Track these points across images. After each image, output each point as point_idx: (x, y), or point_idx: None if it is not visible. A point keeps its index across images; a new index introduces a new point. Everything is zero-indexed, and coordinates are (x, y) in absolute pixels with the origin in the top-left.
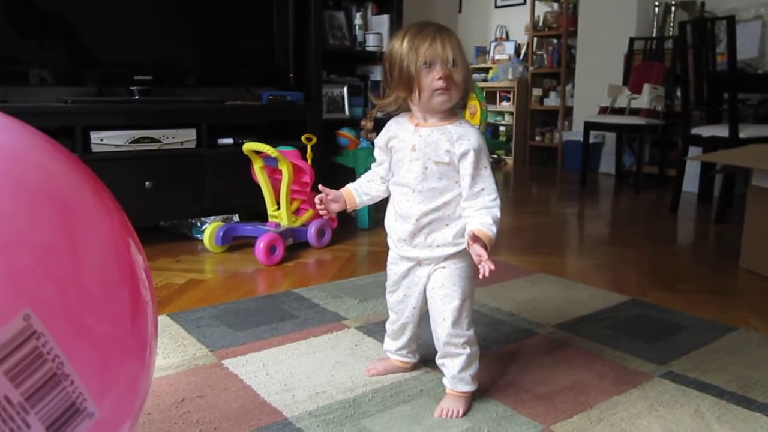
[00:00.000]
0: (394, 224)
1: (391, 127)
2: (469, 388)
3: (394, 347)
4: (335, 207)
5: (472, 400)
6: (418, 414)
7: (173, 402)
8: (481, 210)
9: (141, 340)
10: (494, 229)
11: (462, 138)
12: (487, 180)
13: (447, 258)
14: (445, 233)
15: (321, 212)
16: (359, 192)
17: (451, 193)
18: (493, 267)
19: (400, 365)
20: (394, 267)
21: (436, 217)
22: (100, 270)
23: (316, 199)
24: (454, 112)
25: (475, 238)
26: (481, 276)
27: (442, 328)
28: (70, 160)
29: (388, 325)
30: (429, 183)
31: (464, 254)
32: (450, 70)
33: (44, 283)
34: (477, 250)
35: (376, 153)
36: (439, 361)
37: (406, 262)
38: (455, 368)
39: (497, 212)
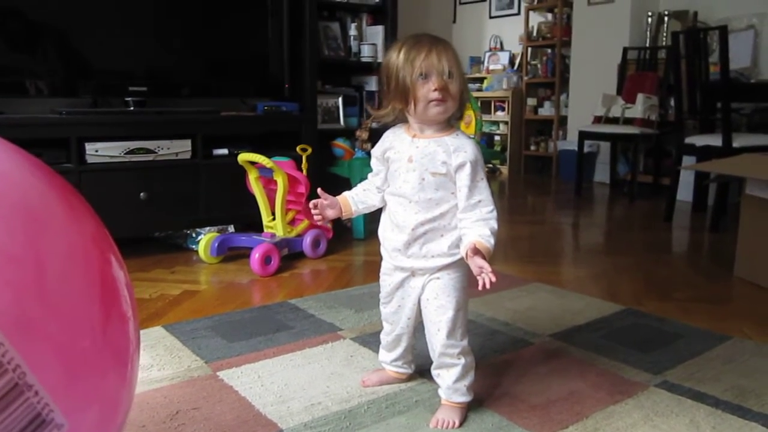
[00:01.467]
0: (390, 234)
1: (388, 137)
2: (464, 398)
3: (389, 358)
4: (331, 213)
5: (468, 410)
6: (413, 425)
7: (168, 414)
8: (478, 221)
9: (118, 354)
10: (492, 240)
11: (458, 150)
12: (484, 192)
13: (441, 269)
14: (440, 244)
15: (316, 217)
16: (355, 200)
17: (448, 204)
18: (494, 279)
19: (396, 376)
20: (388, 278)
21: (432, 228)
22: (68, 282)
23: (311, 204)
24: (451, 123)
25: (475, 251)
26: (480, 287)
27: (436, 339)
28: (44, 173)
29: (382, 336)
30: (426, 194)
31: (458, 265)
32: (445, 82)
33: (2, 293)
34: (478, 262)
35: (373, 163)
36: (434, 372)
37: (400, 273)
38: (450, 379)
39: (494, 224)
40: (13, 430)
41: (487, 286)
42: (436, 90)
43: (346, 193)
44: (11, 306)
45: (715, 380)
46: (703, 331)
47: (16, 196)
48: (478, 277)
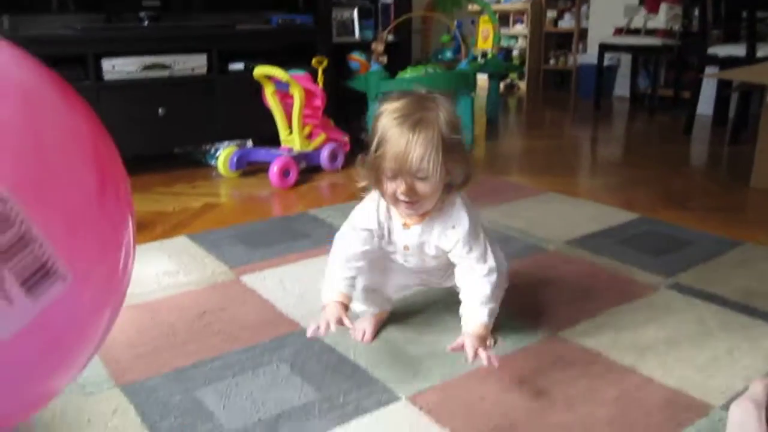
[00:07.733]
0: (387, 275)
1: (380, 219)
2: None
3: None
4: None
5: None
6: (431, 320)
7: (196, 314)
8: (474, 297)
9: (114, 222)
10: (486, 317)
11: (447, 230)
12: (481, 246)
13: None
14: (441, 281)
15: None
16: (350, 292)
17: (446, 260)
18: (496, 364)
19: (383, 315)
20: None
21: (435, 268)
22: (64, 153)
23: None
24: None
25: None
26: (471, 360)
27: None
28: (38, 65)
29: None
30: (427, 264)
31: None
32: (413, 184)
33: (5, 158)
34: (474, 345)
35: (357, 235)
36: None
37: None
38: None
39: (490, 288)
40: (22, 276)
41: (485, 363)
42: (402, 192)
43: (333, 297)
44: (14, 169)
45: (724, 282)
46: (715, 238)
47: (14, 80)
48: (472, 358)
